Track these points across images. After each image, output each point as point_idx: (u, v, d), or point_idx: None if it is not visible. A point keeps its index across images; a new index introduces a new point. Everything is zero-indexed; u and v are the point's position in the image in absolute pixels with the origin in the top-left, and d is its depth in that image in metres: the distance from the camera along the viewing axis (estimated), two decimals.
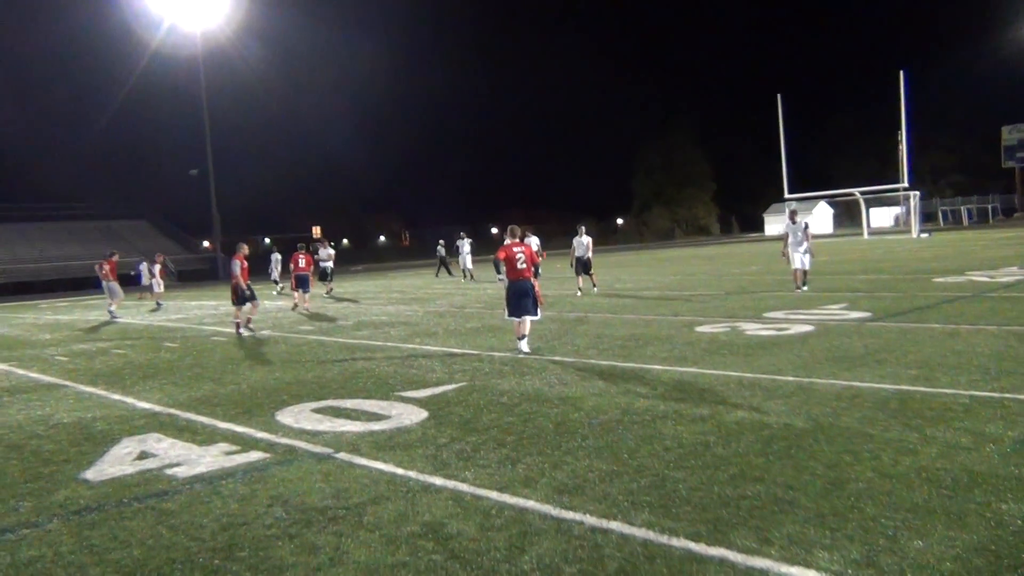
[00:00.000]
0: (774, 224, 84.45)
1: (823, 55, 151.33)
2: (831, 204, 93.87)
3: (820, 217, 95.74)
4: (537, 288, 11.56)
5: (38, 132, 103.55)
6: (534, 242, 29.98)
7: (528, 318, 11.51)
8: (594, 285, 22.41)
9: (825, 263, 30.11)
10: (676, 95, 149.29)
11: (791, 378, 8.44)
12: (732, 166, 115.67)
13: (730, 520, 4.53)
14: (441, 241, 38.49)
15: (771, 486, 5.06)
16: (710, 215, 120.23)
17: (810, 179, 72.45)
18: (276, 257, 34.02)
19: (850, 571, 3.82)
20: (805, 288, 18.14)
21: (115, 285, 25.54)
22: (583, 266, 21.85)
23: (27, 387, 11.26)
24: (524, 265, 11.44)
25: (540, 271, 20.24)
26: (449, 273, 36.42)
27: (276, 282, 33.35)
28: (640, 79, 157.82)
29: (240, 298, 16.65)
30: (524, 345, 11.47)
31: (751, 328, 12.54)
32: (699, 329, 12.82)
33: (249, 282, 16.67)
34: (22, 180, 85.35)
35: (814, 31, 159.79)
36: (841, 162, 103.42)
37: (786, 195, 62.59)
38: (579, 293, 21.27)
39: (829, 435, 6.16)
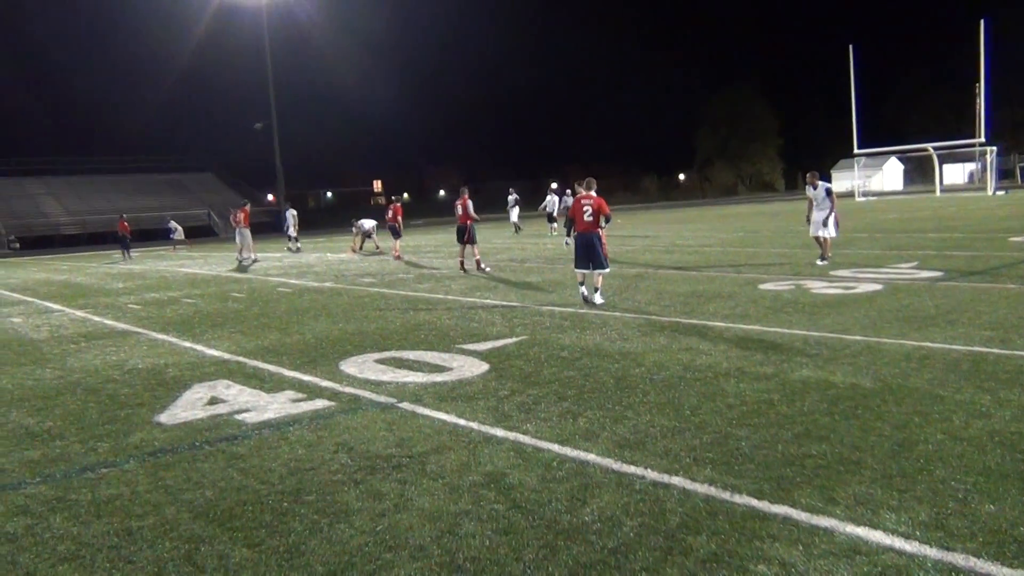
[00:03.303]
0: (843, 180, 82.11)
1: (899, 3, 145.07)
2: (902, 160, 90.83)
3: (891, 173, 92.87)
4: (603, 240, 11.62)
5: (109, 87, 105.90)
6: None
7: (597, 272, 11.59)
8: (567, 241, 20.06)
9: (895, 220, 29.31)
10: (743, 47, 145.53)
11: (858, 337, 8.26)
12: (799, 120, 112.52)
13: (794, 479, 4.49)
14: (552, 189, 34.76)
15: (837, 446, 4.99)
16: (775, 171, 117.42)
17: (881, 133, 70.26)
18: (292, 213, 33.30)
19: (918, 533, 3.75)
20: (822, 262, 15.32)
21: (247, 232, 26.52)
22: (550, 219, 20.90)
23: (102, 333, 11.66)
24: (591, 218, 11.48)
25: (608, 222, 19.88)
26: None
27: (292, 238, 32.95)
28: (705, 30, 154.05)
29: (471, 237, 17.85)
30: (597, 297, 11.59)
31: (817, 286, 12.29)
32: (762, 287, 12.61)
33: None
34: (96, 134, 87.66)
35: None
36: (914, 116, 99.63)
37: (855, 150, 60.79)
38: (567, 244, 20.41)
39: (897, 396, 6.03)
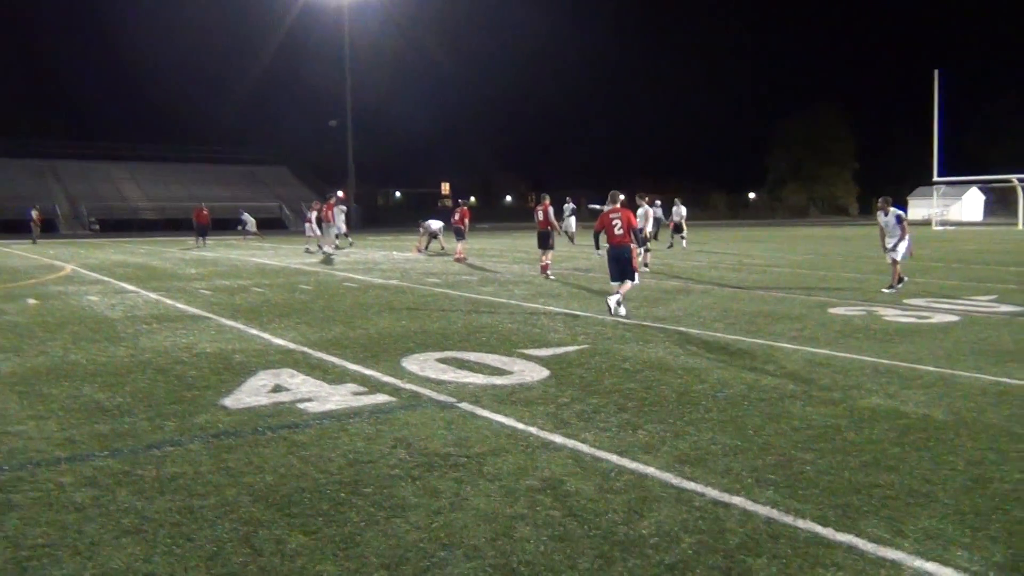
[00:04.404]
0: (920, 208, 79.98)
1: (988, 28, 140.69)
2: (983, 190, 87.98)
3: (970, 203, 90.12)
4: (634, 254, 11.63)
5: (192, 80, 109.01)
6: (681, 211, 29.77)
7: (627, 281, 11.62)
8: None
9: (974, 252, 28.40)
10: (822, 67, 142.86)
11: (931, 368, 8.00)
12: (878, 144, 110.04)
13: (860, 507, 4.35)
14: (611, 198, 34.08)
15: (906, 477, 4.82)
16: (849, 194, 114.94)
17: (963, 162, 68.05)
18: (340, 209, 33.04)
19: (991, 573, 3.60)
20: (887, 290, 14.84)
21: (330, 227, 27.37)
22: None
23: (174, 316, 11.97)
24: (621, 231, 11.55)
25: (643, 237, 20.43)
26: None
27: (346, 235, 33.06)
28: (784, 49, 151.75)
29: (552, 243, 18.72)
30: (616, 303, 11.47)
31: (889, 314, 11.95)
32: (832, 311, 12.32)
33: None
34: (178, 124, 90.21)
35: (979, 1, 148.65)
36: (999, 145, 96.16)
37: (935, 178, 59.06)
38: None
39: (972, 431, 5.81)
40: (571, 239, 34.75)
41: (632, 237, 11.61)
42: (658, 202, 34.42)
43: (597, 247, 11.94)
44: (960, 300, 13.68)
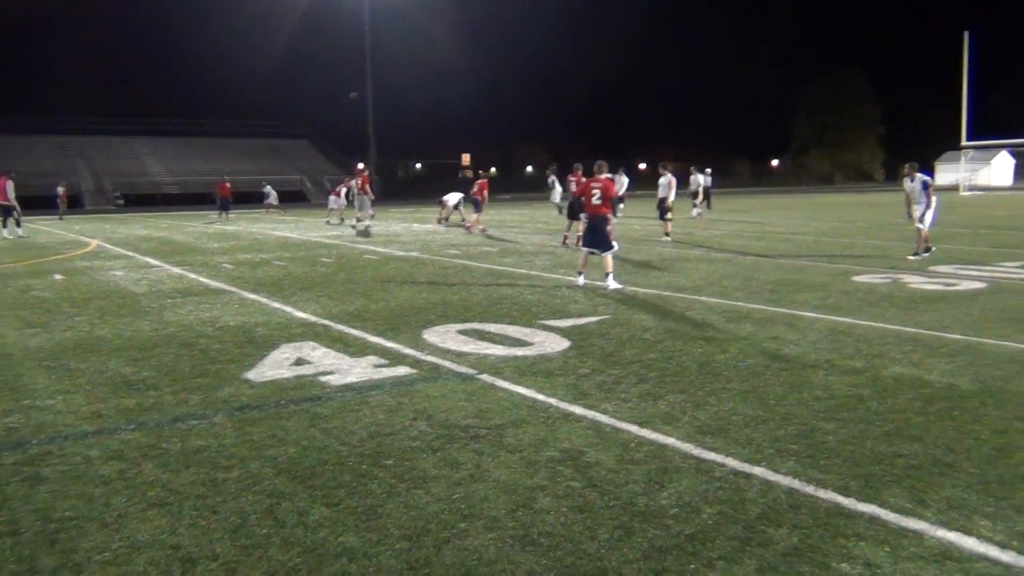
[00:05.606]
0: (947, 173, 78.71)
1: None
2: (1013, 154, 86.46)
3: (1000, 168, 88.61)
4: (610, 224, 11.60)
5: (213, 54, 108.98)
6: (698, 180, 29.68)
7: (604, 253, 11.60)
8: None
9: (1003, 218, 28.00)
10: (847, 30, 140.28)
11: (957, 336, 7.91)
12: (904, 108, 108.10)
13: (883, 477, 4.32)
14: (621, 170, 32.12)
15: (930, 447, 4.78)
16: (875, 160, 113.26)
17: (992, 125, 66.68)
18: (356, 182, 33.23)
19: (1015, 543, 3.57)
20: (913, 257, 14.77)
21: (366, 199, 28.00)
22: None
23: (197, 290, 12.07)
24: (599, 201, 11.62)
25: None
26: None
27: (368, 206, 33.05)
28: (807, 12, 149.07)
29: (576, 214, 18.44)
30: (611, 281, 11.54)
31: (915, 281, 11.82)
32: (856, 279, 12.20)
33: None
34: (199, 98, 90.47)
35: None
36: None
37: (963, 142, 58.06)
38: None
39: (998, 399, 5.75)
40: (560, 210, 34.23)
41: (610, 208, 11.72)
42: (707, 170, 33.82)
43: (580, 211, 12.08)
44: (988, 267, 13.50)
